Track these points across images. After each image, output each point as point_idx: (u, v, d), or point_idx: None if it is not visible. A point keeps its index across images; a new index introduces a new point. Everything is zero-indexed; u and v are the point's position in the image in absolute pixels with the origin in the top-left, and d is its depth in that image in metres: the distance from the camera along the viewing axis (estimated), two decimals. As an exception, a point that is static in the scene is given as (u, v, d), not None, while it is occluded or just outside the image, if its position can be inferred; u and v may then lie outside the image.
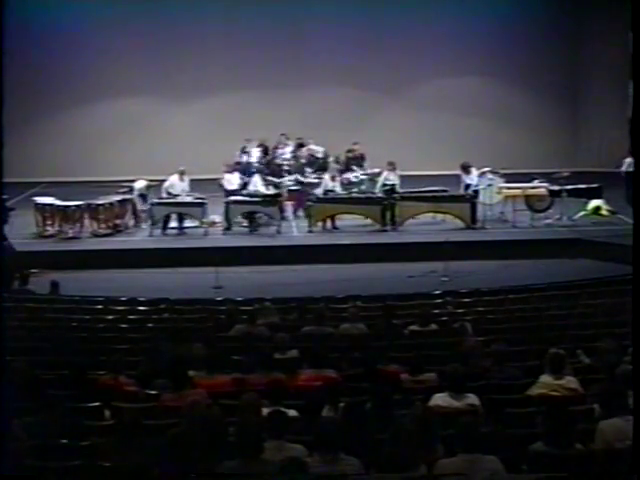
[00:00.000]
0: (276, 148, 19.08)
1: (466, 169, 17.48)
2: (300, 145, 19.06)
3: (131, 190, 17.59)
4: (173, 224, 17.21)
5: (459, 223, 16.95)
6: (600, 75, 23.06)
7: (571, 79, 23.35)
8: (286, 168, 18.43)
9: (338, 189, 17.45)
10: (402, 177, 17.71)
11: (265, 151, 19.08)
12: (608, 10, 22.08)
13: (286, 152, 18.88)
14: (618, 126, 21.43)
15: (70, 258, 15.18)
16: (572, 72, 23.28)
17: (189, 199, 17.15)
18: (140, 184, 17.65)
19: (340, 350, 8.94)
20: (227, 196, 17.36)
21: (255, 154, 18.81)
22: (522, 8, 22.79)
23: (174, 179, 17.42)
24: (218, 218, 17.12)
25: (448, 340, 9.26)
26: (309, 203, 17.08)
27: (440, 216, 17.21)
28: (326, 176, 17.67)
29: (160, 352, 8.58)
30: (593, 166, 21.72)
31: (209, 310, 11.36)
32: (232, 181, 17.75)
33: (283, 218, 17.38)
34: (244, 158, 18.70)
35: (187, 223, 17.28)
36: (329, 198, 17.25)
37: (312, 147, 18.86)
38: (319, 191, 17.34)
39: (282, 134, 19.28)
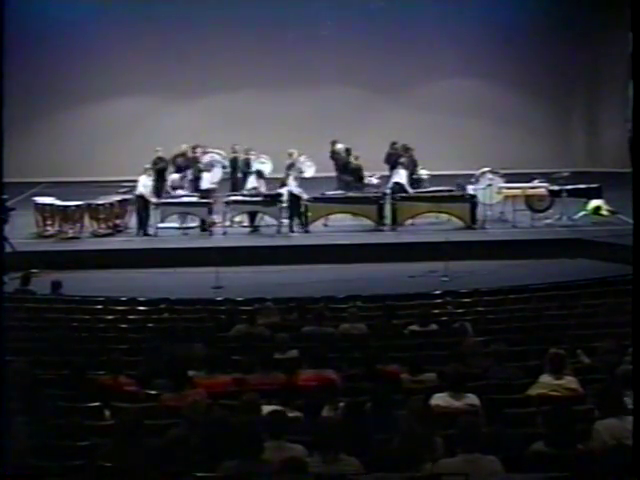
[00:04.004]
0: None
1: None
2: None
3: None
4: (174, 224, 17.19)
5: (459, 223, 16.95)
6: (600, 76, 23.08)
7: (571, 80, 23.34)
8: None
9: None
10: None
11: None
12: (608, 12, 22.08)
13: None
14: (618, 126, 21.44)
15: (70, 258, 15.16)
16: (572, 73, 23.26)
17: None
18: None
19: (340, 350, 8.94)
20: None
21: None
22: (522, 10, 22.79)
23: (143, 179, 16.94)
24: (218, 218, 17.11)
25: (448, 340, 9.26)
26: (306, 203, 17.02)
27: (444, 216, 17.17)
28: (291, 179, 17.09)
29: (160, 352, 8.58)
30: (593, 166, 21.73)
31: (209, 310, 11.37)
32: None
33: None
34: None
35: (174, 224, 17.24)
36: (325, 198, 17.18)
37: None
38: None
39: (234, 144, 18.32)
